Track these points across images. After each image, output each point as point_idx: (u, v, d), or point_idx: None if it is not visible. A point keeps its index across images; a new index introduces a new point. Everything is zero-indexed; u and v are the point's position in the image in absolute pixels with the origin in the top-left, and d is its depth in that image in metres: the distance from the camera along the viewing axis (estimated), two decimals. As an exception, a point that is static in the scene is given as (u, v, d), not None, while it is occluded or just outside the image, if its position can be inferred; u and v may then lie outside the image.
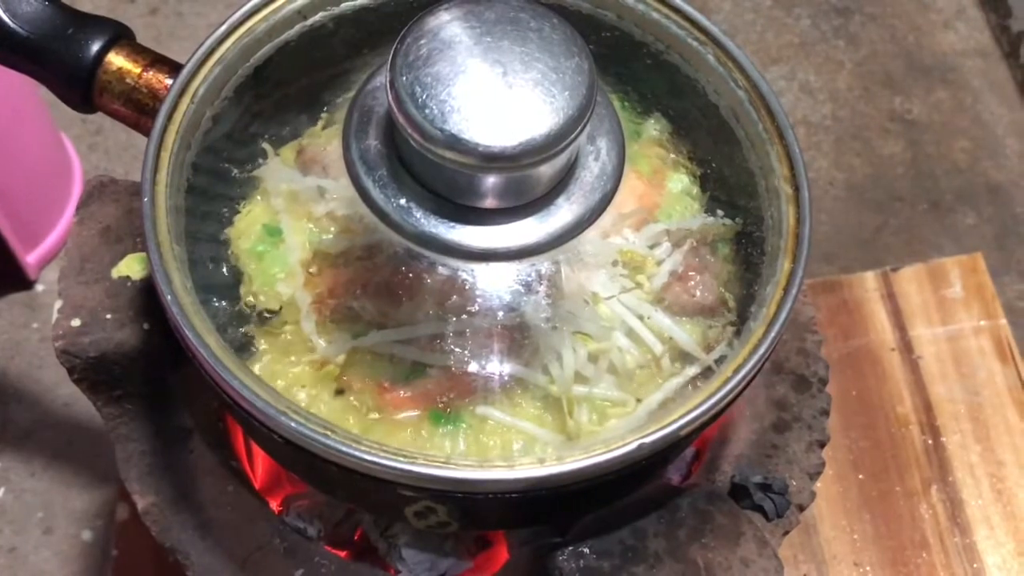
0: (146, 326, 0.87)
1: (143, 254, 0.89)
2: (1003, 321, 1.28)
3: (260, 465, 0.94)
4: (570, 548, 0.77)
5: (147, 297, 0.88)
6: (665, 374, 0.81)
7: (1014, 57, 1.87)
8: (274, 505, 0.89)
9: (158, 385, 0.89)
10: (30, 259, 1.51)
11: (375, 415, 0.77)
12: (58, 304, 0.89)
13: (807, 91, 1.84)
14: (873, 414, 1.22)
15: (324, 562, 0.83)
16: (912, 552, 1.15)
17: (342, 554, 0.87)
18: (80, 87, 0.82)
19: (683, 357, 0.81)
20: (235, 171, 0.83)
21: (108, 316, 0.87)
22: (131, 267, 0.89)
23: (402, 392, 0.77)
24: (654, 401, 0.79)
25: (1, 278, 1.52)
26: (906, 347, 1.27)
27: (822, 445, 0.90)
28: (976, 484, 1.18)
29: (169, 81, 0.81)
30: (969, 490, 1.18)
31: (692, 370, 0.80)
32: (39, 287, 1.54)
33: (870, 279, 1.31)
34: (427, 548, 0.86)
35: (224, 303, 0.83)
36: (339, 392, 0.78)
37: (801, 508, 0.88)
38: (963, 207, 1.72)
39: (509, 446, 0.76)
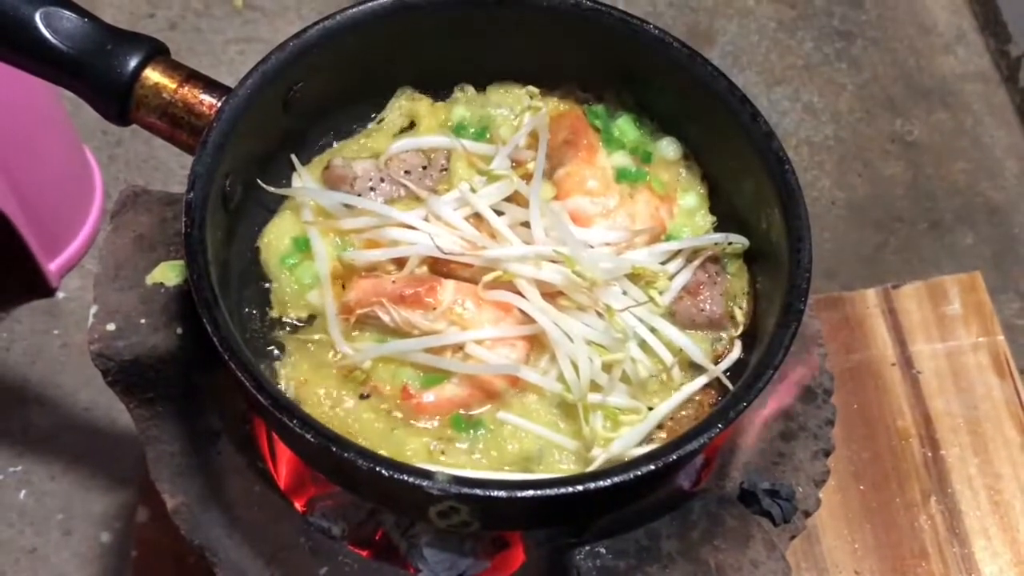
0: (179, 331, 0.90)
1: (176, 262, 0.93)
2: (1001, 338, 1.31)
3: (285, 466, 0.97)
4: (587, 548, 0.81)
5: (180, 303, 0.91)
6: (675, 384, 0.85)
7: (1013, 81, 1.91)
8: (299, 505, 0.92)
9: (189, 388, 0.92)
10: (52, 267, 1.55)
11: (399, 418, 0.80)
12: (93, 309, 0.92)
13: (810, 112, 1.88)
14: (874, 427, 1.26)
15: (347, 561, 0.86)
16: (912, 561, 1.18)
17: (364, 553, 0.90)
18: (117, 101, 0.85)
19: (692, 368, 0.85)
20: (265, 185, 0.87)
21: (142, 321, 0.91)
22: (165, 274, 0.92)
23: (425, 398, 0.81)
24: (664, 409, 0.83)
25: (23, 285, 1.56)
26: (906, 362, 1.30)
27: (827, 454, 0.94)
28: (974, 496, 1.21)
29: (205, 96, 0.85)
30: (967, 502, 1.21)
31: (701, 380, 0.84)
32: (60, 294, 1.58)
33: (871, 296, 1.34)
34: (447, 548, 0.89)
35: (255, 311, 0.87)
36: (364, 397, 0.82)
37: (807, 514, 0.91)
38: (962, 227, 1.76)
39: (527, 450, 0.80)
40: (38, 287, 1.55)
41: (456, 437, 0.80)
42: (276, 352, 0.85)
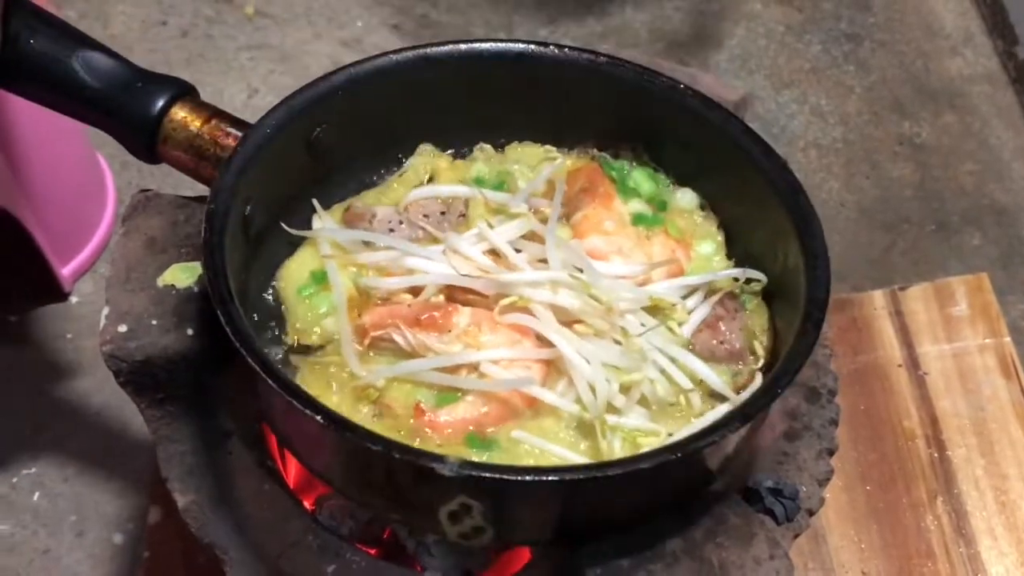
0: (190, 332, 0.91)
1: (187, 264, 0.94)
2: (1007, 339, 1.32)
3: (294, 466, 0.98)
4: (591, 546, 0.81)
5: (190, 304, 0.92)
6: (696, 411, 0.84)
7: (1020, 83, 1.91)
8: (307, 504, 0.93)
9: (199, 388, 0.93)
10: (65, 272, 1.56)
11: (414, 439, 0.80)
12: (105, 311, 0.93)
13: (818, 115, 1.88)
14: (881, 428, 1.26)
15: (355, 559, 0.87)
16: (918, 561, 1.18)
17: (372, 552, 0.90)
18: (145, 137, 0.90)
19: (713, 397, 0.85)
20: (287, 227, 0.90)
21: (153, 322, 0.92)
22: (176, 276, 0.94)
23: (438, 416, 0.81)
24: (684, 434, 0.80)
25: (37, 290, 1.57)
26: (913, 363, 1.30)
27: (831, 453, 0.94)
28: (980, 496, 1.22)
29: (231, 130, 0.88)
30: (974, 502, 1.21)
31: (723, 408, 0.83)
32: (73, 299, 1.59)
33: (879, 297, 1.35)
34: (454, 546, 0.90)
35: (269, 337, 0.89)
36: (376, 416, 0.82)
37: (811, 513, 0.91)
38: (970, 228, 1.76)
39: None
40: (51, 291, 1.57)
41: (470, 456, 0.79)
42: (290, 375, 0.85)
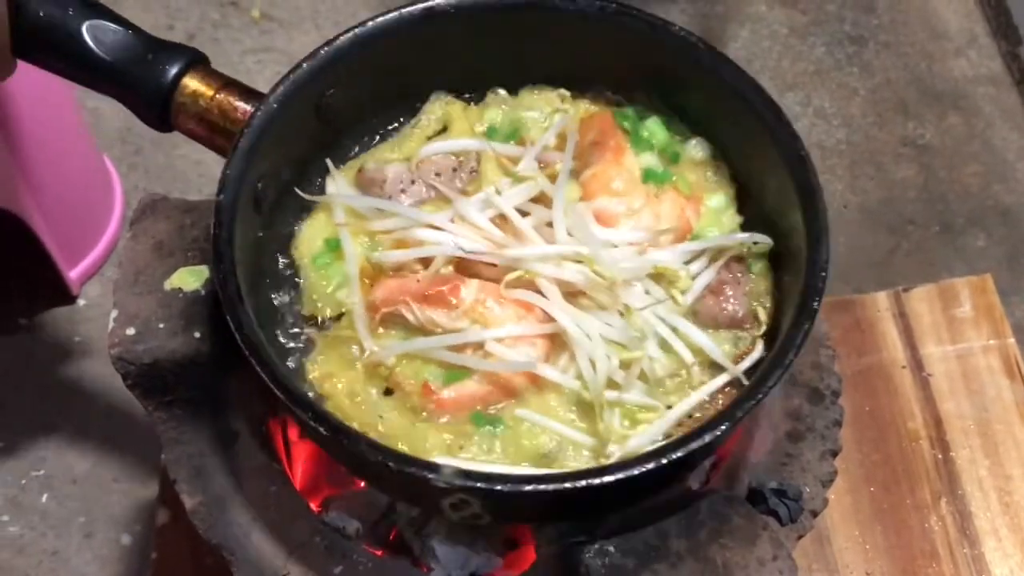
0: (197, 335, 0.92)
1: (194, 267, 0.95)
2: (1011, 340, 1.32)
3: (300, 467, 0.99)
4: (596, 546, 0.82)
5: (198, 307, 0.93)
6: (695, 383, 0.85)
7: (1024, 84, 1.92)
8: (314, 505, 0.94)
9: (206, 391, 0.94)
10: (73, 274, 1.57)
11: (421, 414, 0.82)
12: (113, 314, 0.94)
13: (822, 116, 1.88)
14: (884, 429, 1.26)
15: (362, 560, 0.88)
16: (923, 562, 1.18)
17: (378, 552, 0.91)
18: (158, 108, 0.89)
19: (713, 367, 0.86)
20: (300, 192, 0.90)
21: (161, 325, 0.92)
22: (183, 280, 0.94)
23: (445, 394, 0.83)
24: (683, 408, 0.84)
25: (45, 293, 1.58)
26: (917, 365, 1.30)
27: (835, 454, 0.95)
28: (984, 497, 1.22)
29: (239, 103, 0.88)
30: (978, 503, 1.22)
31: (721, 379, 0.85)
32: (81, 302, 1.60)
33: (882, 299, 1.35)
34: (459, 547, 0.90)
35: (285, 309, 0.89)
36: (388, 392, 0.84)
37: (814, 514, 0.92)
38: (974, 230, 1.76)
39: (544, 446, 0.82)
40: (59, 295, 1.58)
41: (475, 433, 0.82)
42: (304, 348, 0.88)
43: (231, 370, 0.93)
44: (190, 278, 0.94)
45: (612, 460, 0.80)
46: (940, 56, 1.97)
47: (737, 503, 0.86)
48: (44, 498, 1.45)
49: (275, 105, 0.86)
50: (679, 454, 0.75)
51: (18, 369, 1.54)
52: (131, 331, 0.93)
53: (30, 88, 1.32)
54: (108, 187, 1.63)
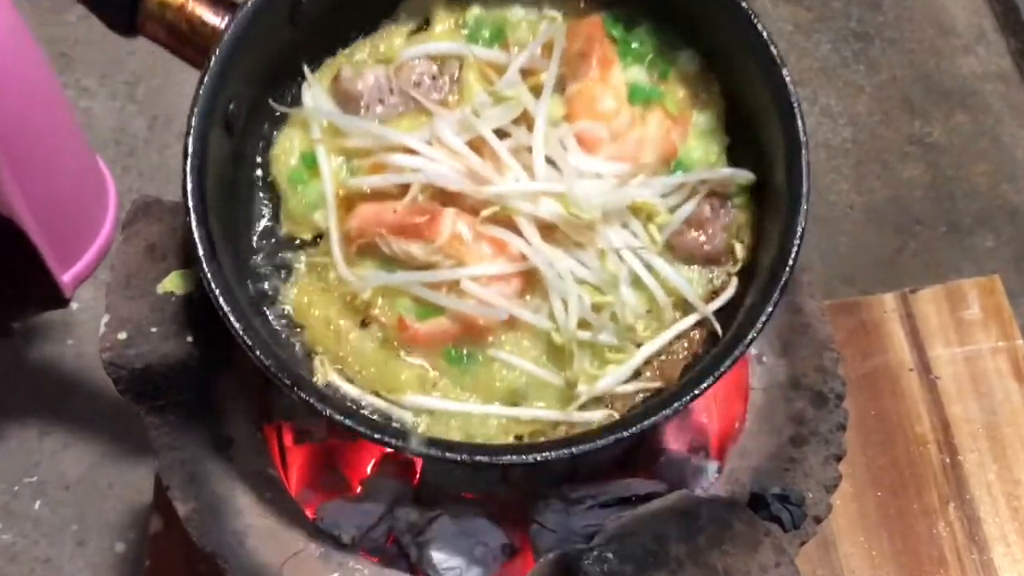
0: (189, 339, 0.90)
1: (187, 271, 0.93)
2: (1020, 342, 1.30)
3: (295, 473, 0.97)
4: (595, 553, 0.80)
5: (190, 311, 0.91)
6: (666, 322, 0.85)
7: (1032, 82, 1.90)
8: (309, 512, 0.92)
9: (200, 396, 0.92)
10: (66, 278, 1.55)
11: (396, 348, 0.83)
12: (105, 318, 0.92)
13: (828, 115, 1.87)
14: (891, 433, 1.25)
15: (357, 567, 0.87)
16: (930, 568, 1.17)
17: (375, 559, 0.90)
18: (125, 12, 0.87)
19: (686, 304, 0.85)
20: (275, 104, 0.87)
21: (153, 329, 0.91)
22: (175, 283, 0.93)
23: (421, 330, 0.82)
24: (652, 348, 0.84)
25: (37, 297, 1.57)
26: (924, 367, 1.29)
27: (839, 459, 0.93)
28: (993, 502, 1.20)
29: (207, 15, 0.85)
30: (986, 508, 1.20)
31: (691, 319, 0.85)
32: (74, 305, 1.59)
33: (889, 300, 1.33)
34: (457, 554, 0.89)
35: (265, 228, 0.88)
36: (364, 325, 0.84)
37: (818, 520, 0.90)
38: (982, 230, 1.75)
39: (515, 385, 0.83)
40: (52, 298, 1.57)
41: (449, 370, 0.83)
42: (283, 274, 0.87)
43: (224, 375, 0.92)
44: (182, 281, 0.93)
45: (582, 399, 0.82)
46: (948, 53, 1.95)
47: (738, 509, 0.85)
48: (37, 505, 1.43)
49: (247, 19, 0.83)
50: (624, 433, 0.77)
51: (11, 374, 1.53)
52: (123, 335, 0.91)
53: (21, 90, 1.30)
54: (102, 189, 1.62)
